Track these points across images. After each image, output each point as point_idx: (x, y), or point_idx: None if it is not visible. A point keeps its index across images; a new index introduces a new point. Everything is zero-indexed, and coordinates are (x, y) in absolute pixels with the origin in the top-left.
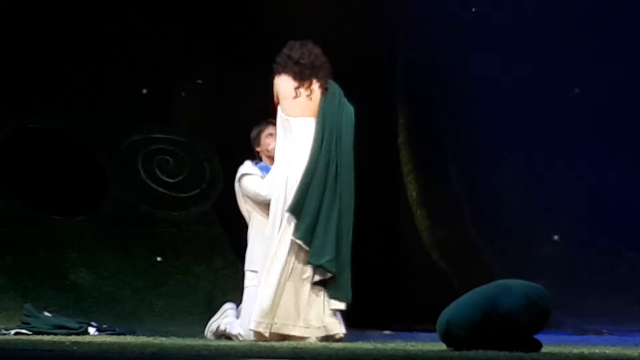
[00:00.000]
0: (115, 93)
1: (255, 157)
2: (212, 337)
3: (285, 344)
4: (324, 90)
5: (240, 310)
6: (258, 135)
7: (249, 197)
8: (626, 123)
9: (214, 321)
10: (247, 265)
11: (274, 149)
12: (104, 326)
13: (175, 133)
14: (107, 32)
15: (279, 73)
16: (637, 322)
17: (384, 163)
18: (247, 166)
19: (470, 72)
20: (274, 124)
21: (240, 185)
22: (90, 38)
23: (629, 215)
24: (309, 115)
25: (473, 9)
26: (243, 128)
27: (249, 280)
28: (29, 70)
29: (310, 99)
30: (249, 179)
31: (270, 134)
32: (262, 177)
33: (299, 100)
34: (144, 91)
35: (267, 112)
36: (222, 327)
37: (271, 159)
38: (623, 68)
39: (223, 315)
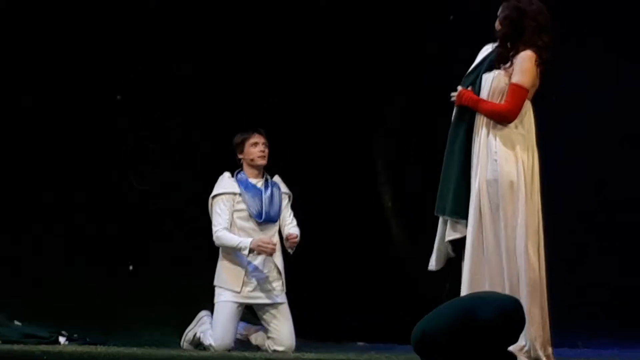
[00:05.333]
0: None
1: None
2: (189, 347)
3: (258, 354)
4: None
5: (212, 322)
6: (242, 142)
7: None
8: None
9: (190, 329)
10: (216, 281)
11: (257, 158)
12: (75, 335)
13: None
14: None
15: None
16: (612, 336)
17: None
18: (224, 182)
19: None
20: (261, 133)
21: (211, 202)
22: None
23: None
24: None
25: (451, 17)
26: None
27: (218, 296)
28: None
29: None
30: (217, 211)
31: (255, 143)
32: (240, 194)
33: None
34: None
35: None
36: (197, 335)
37: (253, 167)
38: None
39: (199, 323)
